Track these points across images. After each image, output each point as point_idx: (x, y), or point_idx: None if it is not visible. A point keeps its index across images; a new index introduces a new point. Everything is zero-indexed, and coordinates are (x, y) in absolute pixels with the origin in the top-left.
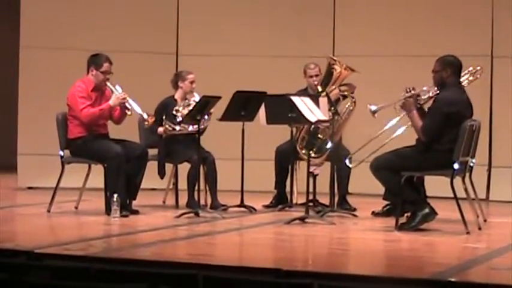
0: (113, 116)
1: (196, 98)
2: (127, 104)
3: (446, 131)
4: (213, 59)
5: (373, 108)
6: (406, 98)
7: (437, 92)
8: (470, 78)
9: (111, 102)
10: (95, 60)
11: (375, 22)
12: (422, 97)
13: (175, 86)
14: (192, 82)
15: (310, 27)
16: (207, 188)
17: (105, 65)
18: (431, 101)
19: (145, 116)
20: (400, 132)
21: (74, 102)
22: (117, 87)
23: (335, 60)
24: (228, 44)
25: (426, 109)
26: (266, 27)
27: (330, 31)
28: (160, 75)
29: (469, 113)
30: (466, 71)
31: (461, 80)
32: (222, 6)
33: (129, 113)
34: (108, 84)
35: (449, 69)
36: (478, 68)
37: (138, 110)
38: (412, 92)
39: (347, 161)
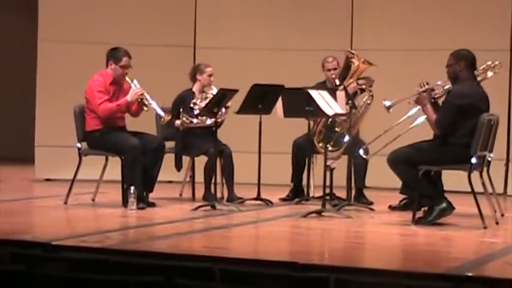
0: (130, 110)
1: (214, 91)
2: (144, 100)
3: (461, 124)
4: (231, 52)
5: (388, 103)
6: (420, 92)
7: (451, 86)
8: (490, 73)
9: (129, 97)
10: (114, 54)
11: (392, 16)
12: (437, 91)
13: (193, 79)
14: (210, 75)
15: (328, 21)
16: (224, 181)
17: (124, 59)
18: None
19: (161, 113)
20: (419, 122)
21: (92, 96)
22: (135, 81)
23: (353, 54)
24: (246, 38)
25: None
26: (285, 20)
27: (348, 25)
28: (178, 68)
29: (484, 106)
30: (485, 65)
31: (478, 74)
32: (240, 0)
33: (145, 109)
34: (127, 78)
35: (462, 62)
36: (497, 62)
37: (155, 106)
38: (426, 86)
39: (361, 152)
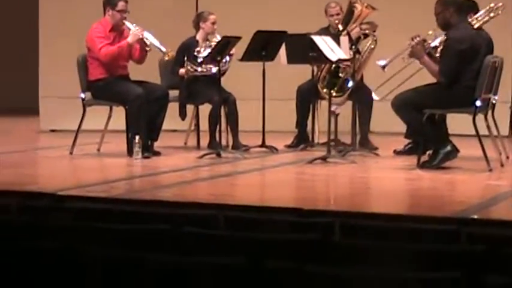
0: (134, 55)
1: (218, 39)
2: (145, 40)
3: (465, 69)
4: None
5: (382, 63)
6: (412, 45)
7: (445, 33)
8: (491, 14)
9: (130, 39)
10: (110, 1)
11: None
12: (429, 41)
13: (197, 27)
14: (213, 23)
15: None
16: (229, 129)
17: (121, 4)
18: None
19: (164, 49)
20: None
21: (92, 42)
22: (135, 25)
23: None
24: None
25: (438, 54)
26: None
27: None
28: (180, 16)
29: (485, 46)
30: (487, 7)
31: (480, 16)
32: None
33: (148, 49)
34: (126, 23)
35: (451, 8)
36: (500, 4)
37: (156, 43)
38: (418, 38)
39: (374, 95)
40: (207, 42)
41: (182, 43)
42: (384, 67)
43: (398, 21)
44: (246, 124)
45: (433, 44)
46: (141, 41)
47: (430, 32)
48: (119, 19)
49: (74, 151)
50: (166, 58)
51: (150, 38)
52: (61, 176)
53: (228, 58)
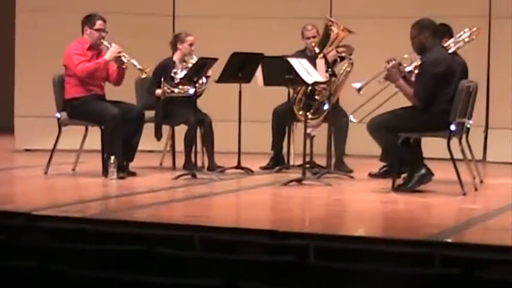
0: (111, 76)
1: (195, 60)
2: (122, 58)
3: (440, 92)
4: (210, 20)
5: (357, 85)
6: (388, 68)
7: (420, 57)
8: (466, 39)
9: (107, 56)
10: (88, 20)
11: None
12: (405, 65)
13: (174, 48)
14: (191, 44)
15: None
16: (204, 150)
17: (98, 23)
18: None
19: (141, 67)
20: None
21: (70, 59)
22: (112, 44)
23: (332, 22)
24: (226, 6)
25: (413, 78)
26: None
27: None
28: (157, 37)
29: (458, 69)
30: (462, 32)
31: (455, 40)
32: None
33: (124, 67)
34: (104, 42)
35: (426, 31)
36: (474, 29)
37: (133, 62)
38: (393, 61)
39: (352, 117)
40: (184, 63)
41: (159, 64)
42: (359, 90)
43: (375, 44)
44: (222, 145)
45: (408, 69)
46: (119, 59)
47: (406, 56)
48: (96, 38)
49: (48, 171)
50: (144, 75)
51: (127, 57)
52: (36, 195)
53: (204, 79)
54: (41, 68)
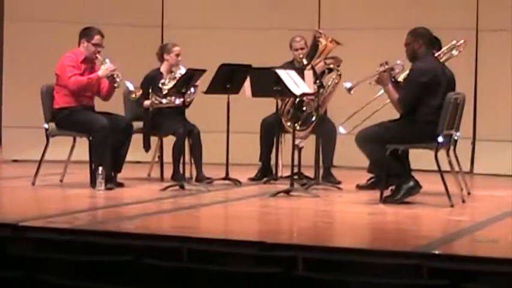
0: (101, 91)
1: (183, 70)
2: (115, 76)
3: (425, 101)
4: (199, 31)
5: (348, 85)
6: (380, 72)
7: (412, 65)
8: (454, 51)
9: (100, 72)
10: (87, 33)
11: None
12: (397, 71)
13: (161, 59)
14: (177, 55)
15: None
16: (192, 161)
17: (96, 37)
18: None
19: (133, 88)
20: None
21: (63, 70)
22: (107, 60)
23: (320, 33)
24: (214, 17)
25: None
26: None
27: (316, 4)
28: (146, 48)
29: (446, 80)
30: (450, 44)
31: (443, 53)
32: None
33: (116, 85)
34: (99, 57)
35: (420, 40)
36: (462, 41)
37: (126, 82)
38: (386, 66)
39: (340, 128)
40: (172, 74)
41: (147, 75)
42: (349, 89)
43: (363, 55)
44: (210, 156)
45: (400, 78)
46: (111, 77)
47: (399, 62)
48: (92, 52)
49: (36, 181)
50: (133, 96)
51: (120, 76)
52: (23, 206)
53: (193, 90)
54: (28, 78)
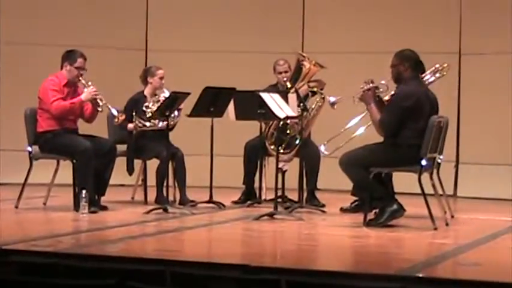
0: (84, 113)
1: (166, 93)
2: (98, 100)
3: (407, 125)
4: (183, 54)
5: (332, 99)
6: (364, 90)
7: (396, 87)
8: (437, 75)
9: (83, 96)
10: (70, 56)
11: (344, 19)
12: (381, 90)
13: (145, 82)
14: (161, 78)
15: (279, 23)
16: (176, 184)
17: (79, 60)
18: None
19: (116, 113)
20: (361, 132)
21: (45, 94)
22: (90, 84)
23: (304, 57)
24: (198, 40)
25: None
26: (236, 22)
27: (299, 27)
28: (130, 71)
29: (430, 105)
30: (433, 68)
31: (426, 76)
32: (192, 2)
33: (99, 109)
34: (82, 80)
35: (406, 63)
36: (445, 65)
37: (109, 106)
38: (371, 84)
39: (322, 148)
40: (155, 97)
41: (130, 98)
42: (333, 104)
43: (346, 79)
44: (194, 179)
45: (386, 97)
46: (94, 100)
47: (383, 82)
48: (75, 75)
49: (19, 205)
50: (116, 121)
51: (103, 100)
52: (6, 229)
53: (176, 113)
54: (11, 101)
